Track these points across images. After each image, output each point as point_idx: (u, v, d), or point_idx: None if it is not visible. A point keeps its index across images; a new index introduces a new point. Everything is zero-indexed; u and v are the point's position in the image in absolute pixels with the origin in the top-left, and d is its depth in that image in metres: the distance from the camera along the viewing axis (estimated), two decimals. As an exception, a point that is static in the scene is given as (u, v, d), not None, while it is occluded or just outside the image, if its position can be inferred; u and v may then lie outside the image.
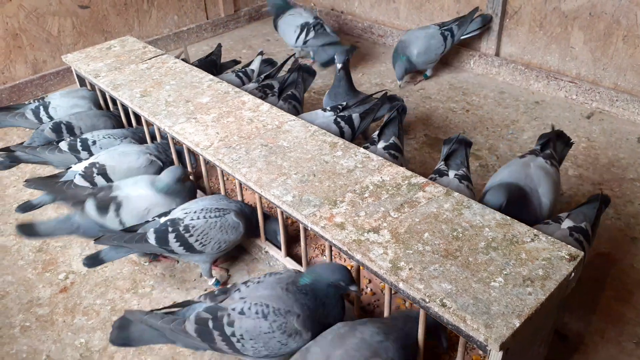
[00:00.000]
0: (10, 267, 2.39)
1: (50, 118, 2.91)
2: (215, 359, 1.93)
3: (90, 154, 2.58)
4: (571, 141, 2.42)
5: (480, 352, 1.80)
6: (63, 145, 2.61)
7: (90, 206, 2.20)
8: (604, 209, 2.09)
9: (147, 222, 2.11)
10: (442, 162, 2.25)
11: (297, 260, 2.18)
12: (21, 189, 2.88)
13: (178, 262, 2.31)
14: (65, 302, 2.20)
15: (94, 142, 2.60)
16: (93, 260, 2.10)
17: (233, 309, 1.65)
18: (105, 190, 2.25)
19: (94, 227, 2.21)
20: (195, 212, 2.05)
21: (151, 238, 2.01)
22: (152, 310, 1.76)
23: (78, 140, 2.61)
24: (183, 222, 2.02)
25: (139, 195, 2.23)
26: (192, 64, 3.10)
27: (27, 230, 2.23)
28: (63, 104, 2.94)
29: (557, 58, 3.50)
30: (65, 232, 2.28)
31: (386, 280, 1.58)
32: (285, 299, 1.64)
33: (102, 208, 2.19)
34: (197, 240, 2.02)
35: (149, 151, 2.53)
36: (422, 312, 1.57)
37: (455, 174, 2.17)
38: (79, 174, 2.39)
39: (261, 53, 3.39)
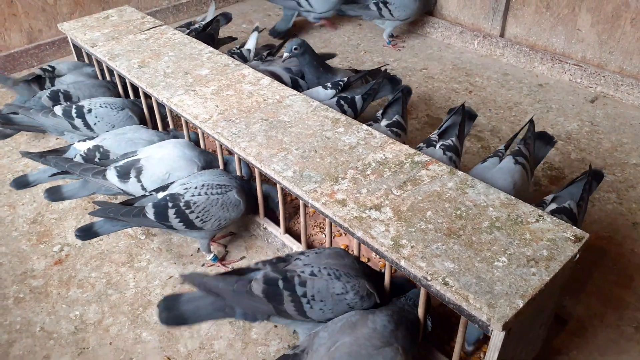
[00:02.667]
0: (4, 238, 2.35)
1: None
2: (233, 336, 1.91)
3: (85, 121, 2.52)
4: (554, 140, 2.32)
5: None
6: (57, 109, 2.55)
7: (111, 174, 2.17)
8: (595, 185, 2.06)
9: (144, 196, 2.08)
10: (436, 132, 2.22)
11: (296, 237, 2.15)
12: (15, 160, 2.84)
13: None
14: (59, 275, 2.17)
15: (90, 110, 2.54)
16: (86, 233, 2.06)
17: (302, 272, 1.64)
18: (128, 156, 2.23)
19: (116, 189, 2.21)
20: (195, 187, 2.01)
21: (150, 213, 1.97)
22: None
23: (73, 106, 2.55)
24: (184, 198, 1.98)
25: (160, 157, 2.19)
26: (187, 33, 3.04)
27: (53, 194, 2.27)
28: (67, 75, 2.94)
29: (563, 40, 3.44)
30: (88, 193, 2.29)
31: (387, 257, 1.55)
32: (352, 266, 1.69)
33: (124, 174, 2.16)
34: (197, 217, 1.98)
35: (160, 137, 2.42)
36: (423, 291, 1.56)
37: (442, 144, 2.14)
38: (80, 155, 2.32)
39: (257, 29, 3.26)
